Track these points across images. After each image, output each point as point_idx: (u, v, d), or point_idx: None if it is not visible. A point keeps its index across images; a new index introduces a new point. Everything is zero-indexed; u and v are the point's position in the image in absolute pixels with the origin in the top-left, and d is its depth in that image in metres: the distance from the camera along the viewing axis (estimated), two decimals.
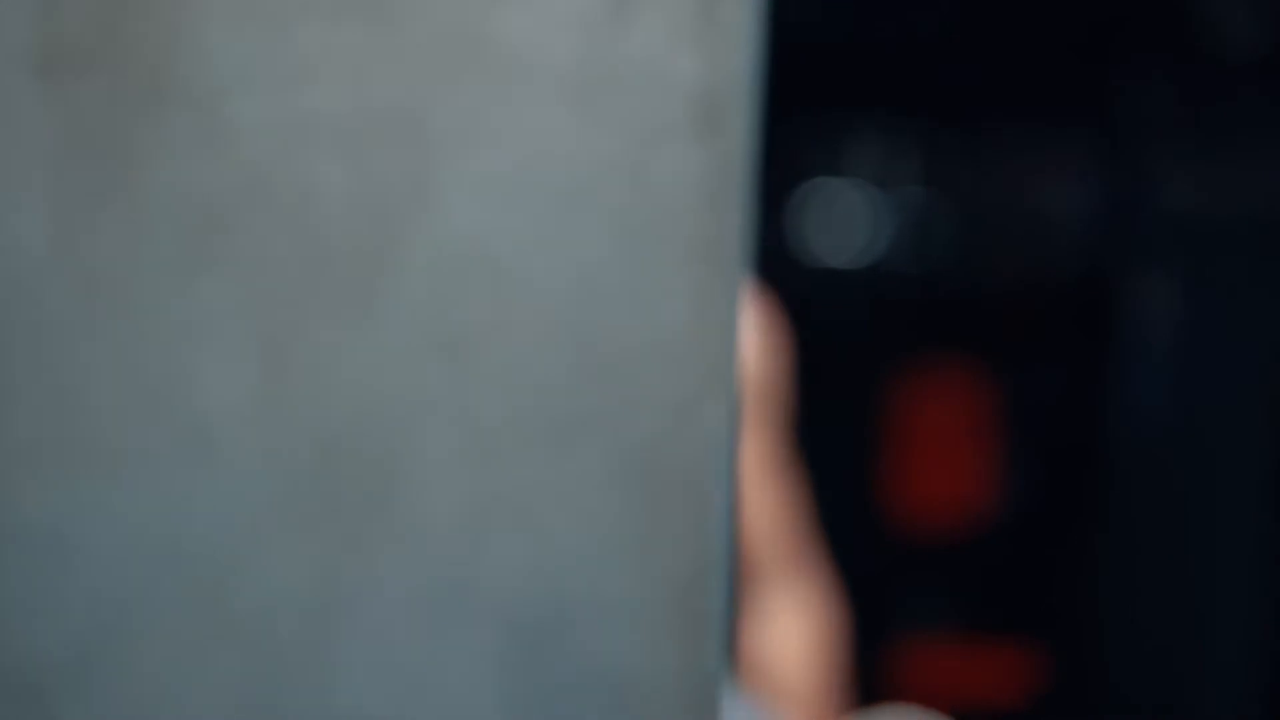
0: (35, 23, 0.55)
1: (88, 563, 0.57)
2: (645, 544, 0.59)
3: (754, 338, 2.15)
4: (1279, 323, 4.29)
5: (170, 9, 0.53)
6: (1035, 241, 5.70)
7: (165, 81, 0.54)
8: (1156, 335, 4.13)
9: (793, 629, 2.17)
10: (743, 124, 0.59)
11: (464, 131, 0.58)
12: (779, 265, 5.75)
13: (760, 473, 2.15)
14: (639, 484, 0.59)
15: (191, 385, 0.56)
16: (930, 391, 4.17)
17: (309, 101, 0.58)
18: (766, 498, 2.16)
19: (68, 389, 0.57)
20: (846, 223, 5.67)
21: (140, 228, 0.57)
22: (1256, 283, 4.22)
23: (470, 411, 0.58)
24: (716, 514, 0.59)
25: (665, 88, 0.59)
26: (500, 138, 0.58)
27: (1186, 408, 4.19)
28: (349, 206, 0.57)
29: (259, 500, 0.57)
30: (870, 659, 4.17)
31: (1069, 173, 5.38)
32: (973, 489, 4.17)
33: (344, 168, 0.58)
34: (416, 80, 0.58)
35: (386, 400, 0.58)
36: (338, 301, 0.58)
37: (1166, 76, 4.28)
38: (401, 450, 0.58)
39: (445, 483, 0.58)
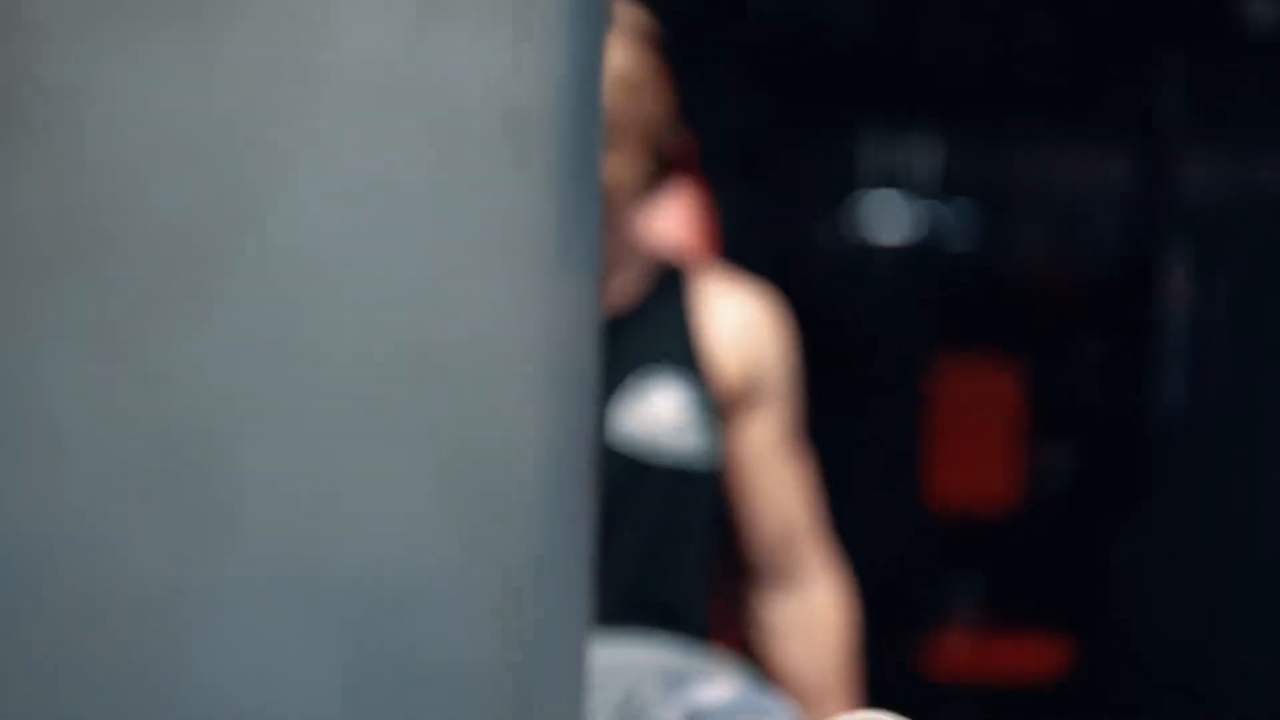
0: None
1: None
2: (467, 533, 0.61)
3: (773, 329, 2.18)
4: None
5: (10, 35, 0.57)
6: (1073, 230, 5.70)
7: (14, 100, 0.58)
8: (1193, 323, 4.14)
9: (814, 619, 2.19)
10: (556, 131, 0.61)
11: (292, 142, 0.60)
12: (828, 254, 5.78)
13: (779, 461, 2.17)
14: (460, 476, 0.61)
15: (39, 387, 0.59)
16: (968, 378, 4.20)
17: (148, 116, 0.60)
18: (787, 486, 2.18)
19: None
20: (890, 217, 5.69)
21: None
22: None
23: (301, 411, 0.60)
24: (537, 503, 0.61)
25: (477, 97, 0.61)
26: (325, 147, 0.60)
27: (1223, 395, 4.20)
28: (186, 216, 0.60)
29: (108, 497, 0.60)
30: (905, 645, 4.20)
31: (1106, 162, 5.38)
32: (1009, 475, 4.19)
33: (181, 179, 0.60)
34: (248, 94, 0.60)
35: (223, 401, 0.60)
36: (176, 307, 0.60)
37: (1199, 64, 4.28)
38: (240, 449, 0.60)
39: (281, 479, 0.60)
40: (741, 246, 4.35)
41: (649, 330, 2.12)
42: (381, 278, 0.61)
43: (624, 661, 2.01)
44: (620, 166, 1.97)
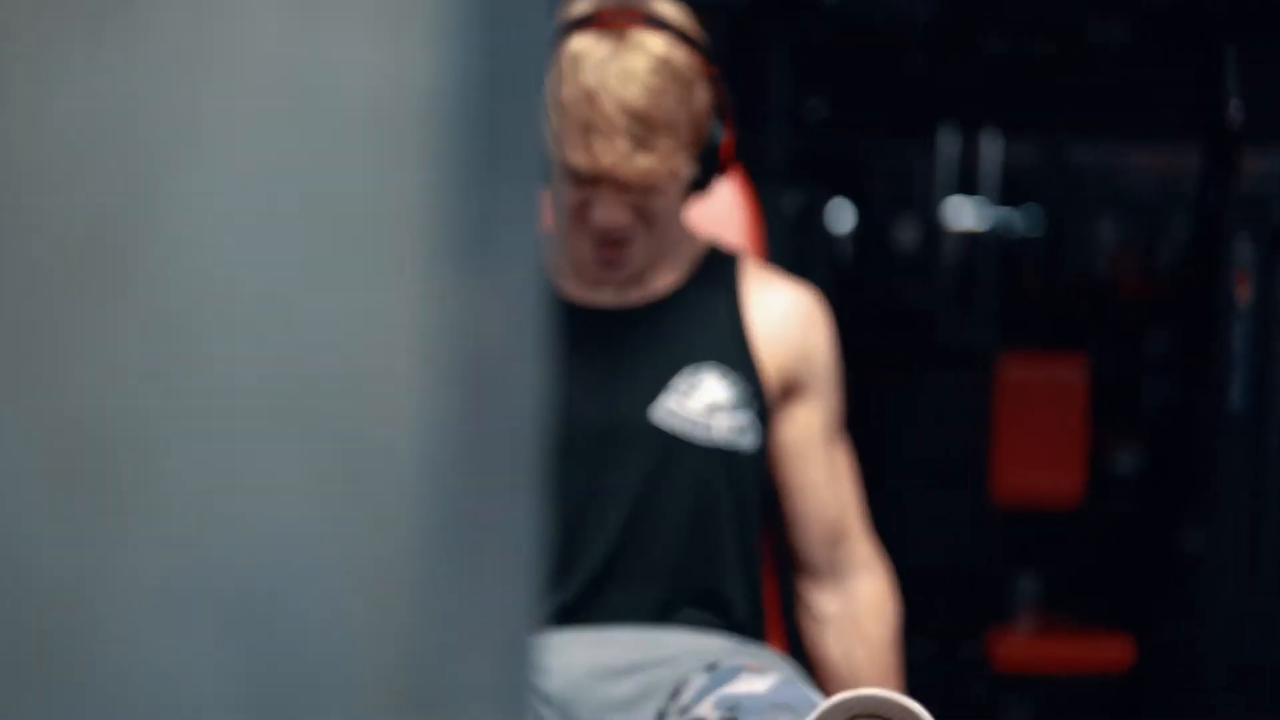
0: None
1: None
2: (350, 530, 0.61)
3: (816, 322, 2.21)
4: None
5: None
6: (1140, 227, 5.68)
7: None
8: (1259, 319, 4.13)
9: (857, 612, 2.20)
10: (445, 129, 0.60)
11: (174, 141, 0.61)
12: (897, 251, 5.79)
13: (823, 454, 2.20)
14: (343, 472, 0.61)
15: None
16: (1035, 374, 4.20)
17: (42, 113, 0.61)
18: (830, 479, 2.22)
19: None
20: (959, 215, 5.69)
21: None
22: None
23: (191, 408, 0.61)
24: (420, 504, 0.61)
25: (355, 94, 0.61)
26: (208, 147, 0.61)
27: None
28: (68, 216, 0.61)
29: (17, 491, 0.61)
30: (970, 638, 4.21)
31: (1172, 159, 5.36)
32: (1074, 471, 4.20)
33: (62, 179, 0.61)
34: (136, 91, 0.61)
35: (118, 397, 0.61)
36: (59, 306, 0.61)
37: (1265, 60, 4.27)
38: (134, 446, 0.62)
39: (174, 476, 0.61)
40: (811, 244, 4.38)
41: (696, 318, 2.15)
42: (264, 279, 0.62)
43: (667, 652, 2.04)
44: (664, 162, 2.00)
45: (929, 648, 5.13)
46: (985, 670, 3.96)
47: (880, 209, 6.00)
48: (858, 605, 2.21)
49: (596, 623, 2.08)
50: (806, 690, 1.74)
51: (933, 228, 6.11)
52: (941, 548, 5.23)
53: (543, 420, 0.67)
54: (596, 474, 2.09)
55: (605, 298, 2.15)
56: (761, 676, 1.74)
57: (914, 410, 5.21)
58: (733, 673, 1.77)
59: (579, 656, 2.04)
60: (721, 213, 2.40)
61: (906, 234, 5.80)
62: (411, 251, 0.59)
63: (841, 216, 5.80)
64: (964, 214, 5.90)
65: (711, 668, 1.80)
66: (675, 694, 1.86)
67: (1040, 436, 4.13)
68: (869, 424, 5.27)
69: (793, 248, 4.28)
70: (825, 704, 1.24)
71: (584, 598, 2.09)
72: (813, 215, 4.30)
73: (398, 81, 0.60)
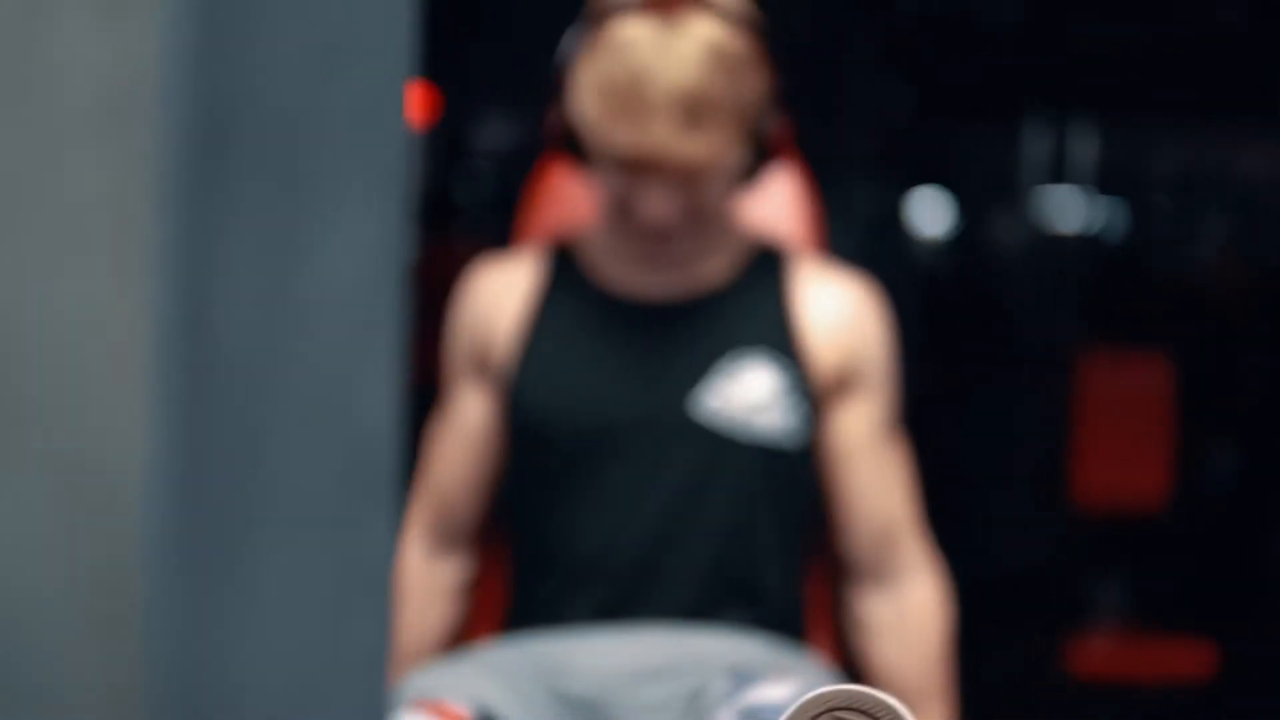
0: None
1: None
2: (66, 544, 0.59)
3: (871, 317, 2.14)
4: None
5: None
6: (1233, 224, 5.57)
7: None
8: None
9: (909, 618, 2.14)
10: (166, 122, 0.58)
11: None
12: (984, 246, 5.71)
13: (876, 452, 2.13)
14: (62, 486, 0.59)
15: None
16: (1120, 373, 4.12)
17: None
18: (883, 479, 2.14)
19: None
20: (1047, 209, 5.60)
21: None
22: None
23: None
24: (144, 511, 0.58)
25: (77, 82, 0.59)
26: None
27: None
28: None
29: None
30: (1051, 642, 4.14)
31: (1267, 156, 5.25)
32: (1159, 473, 4.10)
33: None
34: None
35: None
36: None
37: None
38: None
39: None
40: (889, 238, 4.31)
41: (742, 311, 2.10)
42: None
43: (699, 655, 1.99)
44: (711, 146, 1.95)
45: (1010, 653, 5.05)
46: (1066, 677, 3.88)
47: (966, 203, 5.92)
48: (909, 610, 2.14)
49: (634, 619, 2.04)
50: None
51: (1021, 224, 6.03)
52: (1025, 550, 5.15)
53: (299, 422, 0.63)
54: (637, 469, 2.04)
55: (650, 291, 2.10)
56: (783, 682, 1.68)
57: (999, 409, 5.14)
58: (755, 678, 1.71)
59: (615, 658, 2.00)
60: (782, 206, 2.34)
61: (992, 230, 5.72)
62: (139, 252, 0.56)
63: (924, 210, 5.73)
64: (1054, 209, 5.81)
65: (737, 671, 1.74)
66: (696, 696, 1.81)
67: (1123, 438, 4.04)
68: (951, 425, 5.22)
69: (869, 241, 4.22)
70: (803, 699, 1.19)
71: (622, 594, 2.05)
72: (892, 209, 4.22)
73: (121, 74, 0.57)
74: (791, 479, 2.09)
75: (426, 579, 2.20)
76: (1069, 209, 5.73)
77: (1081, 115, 5.55)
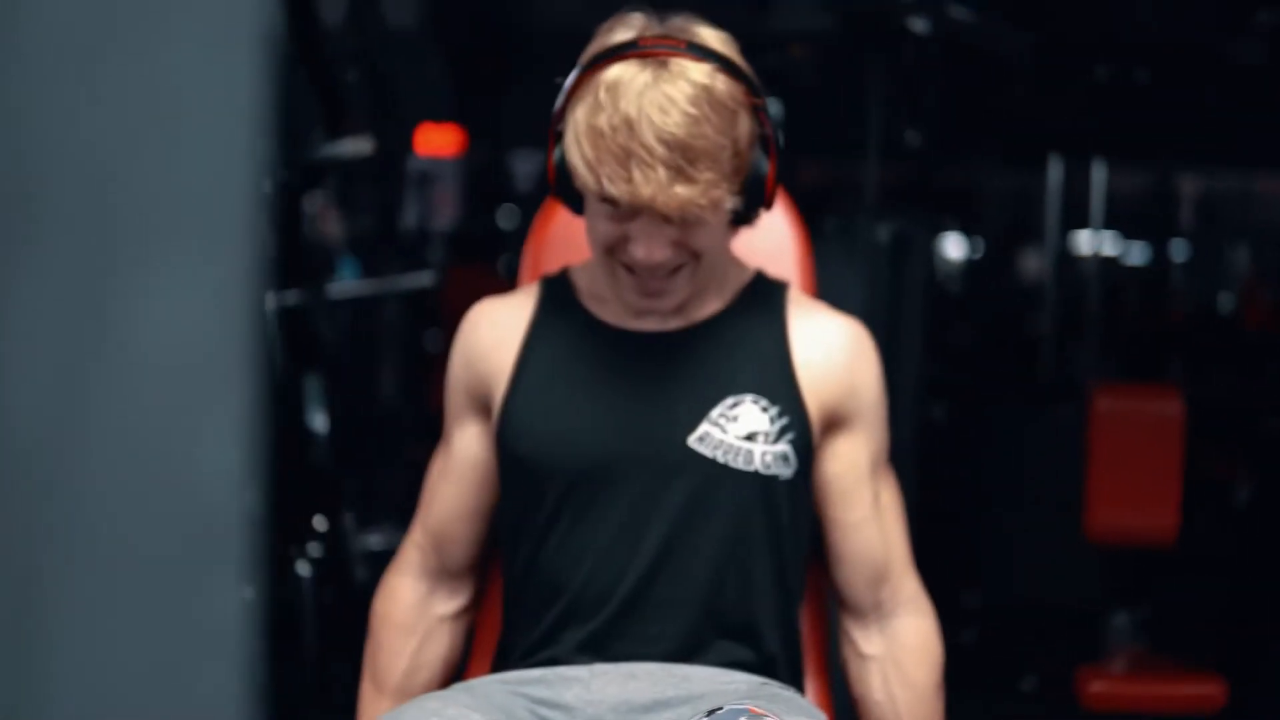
0: None
1: None
2: None
3: (863, 355, 2.16)
4: None
5: None
6: (1272, 258, 5.58)
7: None
8: None
9: (899, 653, 2.16)
10: None
11: None
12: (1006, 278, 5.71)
13: (867, 489, 2.16)
14: None
15: None
16: (1134, 406, 4.12)
17: None
18: (875, 516, 2.17)
19: None
20: (1067, 243, 5.61)
21: None
22: None
23: None
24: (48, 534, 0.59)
25: None
26: None
27: None
28: None
29: None
30: (1063, 675, 4.14)
31: None
32: (1172, 508, 4.11)
33: None
34: None
35: None
36: None
37: None
38: None
39: None
40: (906, 274, 4.33)
41: (738, 344, 2.12)
42: None
43: (687, 693, 2.01)
44: (705, 193, 1.96)
45: (1022, 683, 5.06)
46: (1079, 708, 3.88)
47: (987, 239, 5.93)
48: (901, 647, 2.16)
49: (627, 653, 2.06)
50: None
51: (1039, 258, 6.03)
52: (1038, 583, 5.16)
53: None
54: (632, 501, 2.06)
55: (646, 323, 2.13)
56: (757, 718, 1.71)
57: (1012, 443, 5.15)
58: (734, 715, 1.74)
59: (607, 691, 2.02)
60: (771, 243, 2.37)
61: (1011, 263, 5.73)
62: None
63: (942, 246, 5.74)
64: (1073, 244, 5.82)
65: (712, 712, 1.77)
66: None
67: (1134, 471, 4.04)
68: (967, 456, 5.23)
69: (887, 276, 4.24)
70: None
71: (615, 626, 2.07)
72: (908, 245, 4.25)
73: None
74: (788, 514, 2.10)
75: (419, 612, 2.23)
76: (1091, 245, 5.75)
77: (1103, 152, 5.57)
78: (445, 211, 9.51)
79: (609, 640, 2.06)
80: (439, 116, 7.20)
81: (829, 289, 4.07)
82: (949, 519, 5.60)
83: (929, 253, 4.42)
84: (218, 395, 0.64)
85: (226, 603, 0.63)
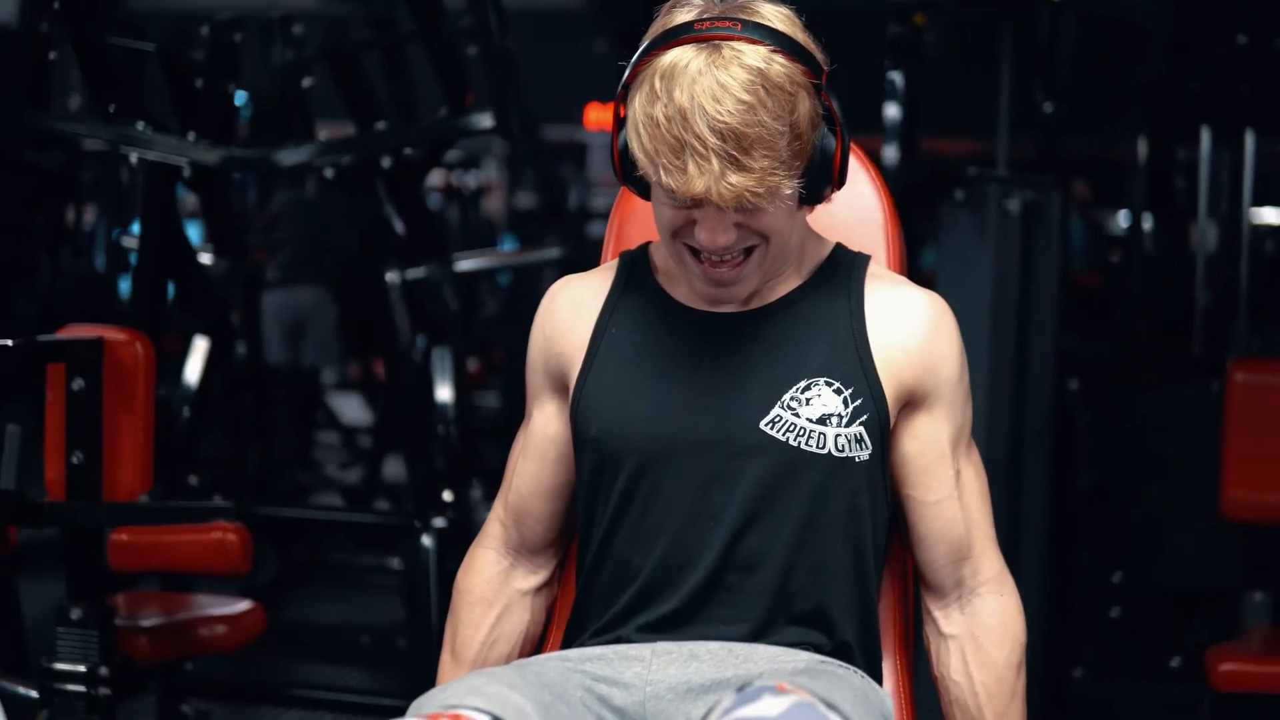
0: None
1: None
2: None
3: (943, 332, 2.12)
4: None
5: None
6: None
7: None
8: None
9: (978, 634, 2.13)
10: None
11: None
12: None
13: (948, 467, 2.12)
14: None
15: None
16: (1266, 382, 4.03)
17: None
18: (956, 494, 2.13)
19: None
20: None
21: None
22: None
23: None
24: None
25: None
26: None
27: None
28: None
29: None
30: (1195, 654, 4.07)
31: None
32: None
33: None
34: None
35: None
36: None
37: None
38: None
39: None
40: (1038, 245, 4.27)
41: (810, 325, 2.09)
42: None
43: (747, 674, 2.00)
44: (761, 182, 1.93)
45: (1155, 664, 4.98)
46: (1209, 687, 3.80)
47: (1134, 211, 5.83)
48: (980, 626, 2.14)
49: (694, 635, 2.05)
50: (824, 714, 1.69)
51: (1180, 230, 5.92)
52: (1182, 562, 5.07)
53: None
54: (706, 485, 2.06)
55: (719, 301, 2.11)
56: (783, 698, 1.69)
57: (1153, 419, 5.06)
58: (758, 693, 1.73)
59: (668, 671, 2.02)
60: (855, 213, 2.34)
61: (1150, 236, 5.62)
62: None
63: (1100, 218, 5.65)
64: (1226, 216, 5.70)
65: (743, 688, 1.75)
66: (707, 715, 1.82)
67: (1272, 447, 3.95)
68: (1106, 434, 5.14)
69: (1019, 247, 4.19)
70: None
71: (686, 611, 2.06)
72: (1040, 215, 4.18)
73: None
74: (865, 497, 2.08)
75: (499, 586, 2.25)
76: (1245, 216, 5.63)
77: (1253, 124, 5.45)
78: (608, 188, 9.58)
79: (681, 624, 2.06)
80: (604, 97, 7.24)
81: (957, 260, 4.04)
82: (1094, 497, 5.53)
83: (1063, 223, 4.34)
84: None
85: None
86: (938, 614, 2.16)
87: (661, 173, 1.94)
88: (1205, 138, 5.62)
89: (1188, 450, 4.84)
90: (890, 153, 4.18)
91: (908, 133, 4.18)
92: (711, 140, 1.90)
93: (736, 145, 1.90)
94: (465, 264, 4.49)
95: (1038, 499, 4.32)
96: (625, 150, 2.02)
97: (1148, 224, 5.91)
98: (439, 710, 1.85)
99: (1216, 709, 4.00)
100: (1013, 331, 4.12)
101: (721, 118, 1.89)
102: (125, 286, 6.43)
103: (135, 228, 5.24)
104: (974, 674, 2.13)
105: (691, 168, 1.91)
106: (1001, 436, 4.04)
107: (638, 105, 1.95)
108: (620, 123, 2.02)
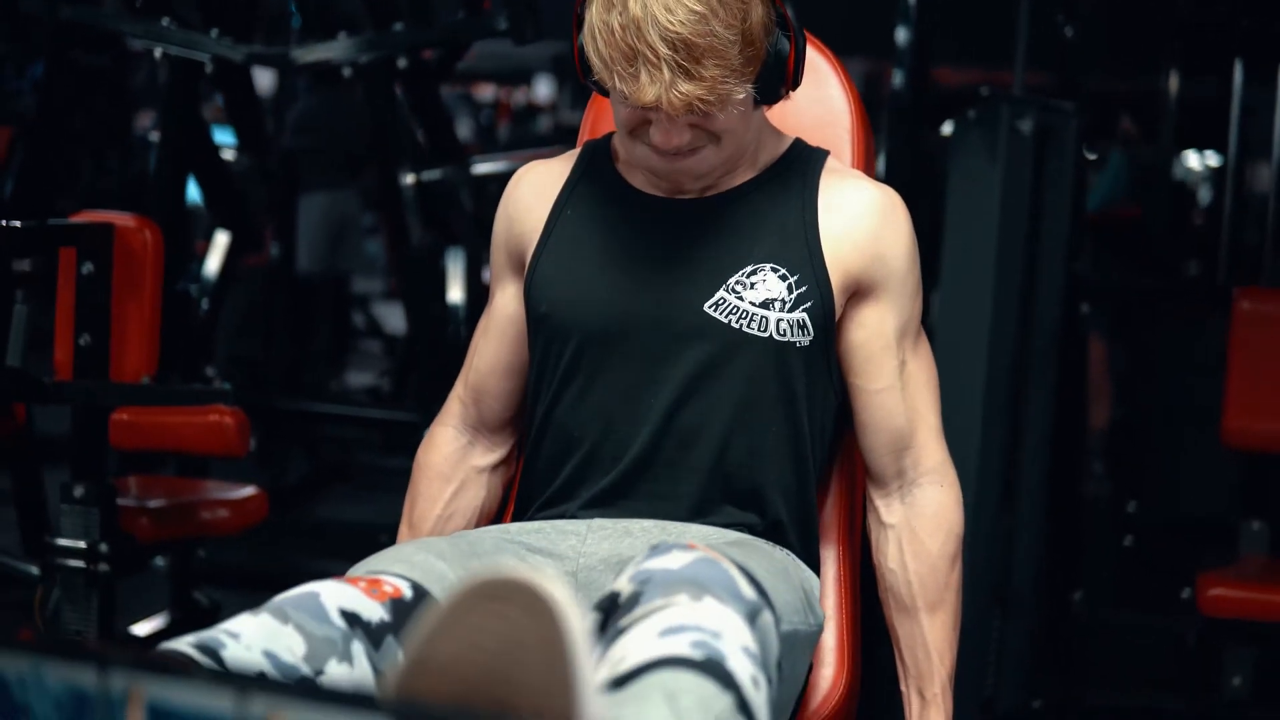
0: None
1: None
2: None
3: (894, 223, 2.15)
4: None
5: None
6: None
7: None
8: None
9: (916, 523, 2.17)
10: None
11: None
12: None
13: (895, 357, 2.15)
14: None
15: None
16: (1269, 311, 4.03)
17: None
18: (901, 384, 2.16)
19: None
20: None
21: None
22: None
23: None
24: None
25: None
26: None
27: None
28: None
29: None
30: (1190, 578, 4.09)
31: None
32: None
33: None
34: None
35: None
36: None
37: None
38: None
39: None
40: (1053, 169, 4.28)
41: (760, 213, 2.14)
42: None
43: (637, 545, 2.05)
44: (712, 90, 1.97)
45: (1164, 594, 5.00)
46: (1203, 613, 3.81)
47: (1161, 145, 5.82)
48: (918, 516, 2.18)
49: (636, 510, 2.10)
50: (727, 569, 1.73)
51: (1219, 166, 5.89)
52: (1189, 491, 5.08)
53: None
54: (649, 362, 2.11)
55: (674, 189, 2.16)
56: (690, 553, 1.74)
57: (1170, 347, 5.07)
58: (667, 549, 1.77)
59: (601, 546, 2.07)
60: (825, 116, 2.38)
61: (1171, 167, 5.62)
62: None
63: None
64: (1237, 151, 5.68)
65: (656, 548, 1.80)
66: (620, 574, 1.87)
67: (1274, 376, 3.95)
68: (1122, 362, 5.16)
69: (1029, 169, 4.19)
70: (459, 587, 1.26)
71: (622, 484, 2.11)
72: (1053, 137, 4.19)
73: None
74: (803, 382, 2.12)
75: (456, 461, 2.31)
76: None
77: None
78: None
79: (619, 497, 2.11)
80: None
81: (966, 178, 4.05)
82: (1113, 430, 5.54)
83: (1076, 147, 4.33)
84: None
85: None
86: (879, 503, 2.20)
87: (616, 79, 1.98)
88: (1238, 72, 5.60)
89: (1205, 379, 4.84)
90: (899, 78, 4.20)
91: (918, 58, 4.19)
92: (663, 50, 1.94)
93: (688, 55, 1.95)
94: (482, 167, 4.52)
95: (1041, 419, 4.33)
96: (582, 54, 2.06)
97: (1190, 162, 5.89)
98: (364, 574, 1.91)
99: (1204, 634, 4.03)
100: (1020, 252, 4.13)
101: (673, 27, 1.93)
102: None
103: None
104: (908, 563, 2.17)
105: (644, 76, 1.95)
106: (1005, 354, 4.06)
107: (595, 11, 1.99)
108: (580, 23, 2.06)
